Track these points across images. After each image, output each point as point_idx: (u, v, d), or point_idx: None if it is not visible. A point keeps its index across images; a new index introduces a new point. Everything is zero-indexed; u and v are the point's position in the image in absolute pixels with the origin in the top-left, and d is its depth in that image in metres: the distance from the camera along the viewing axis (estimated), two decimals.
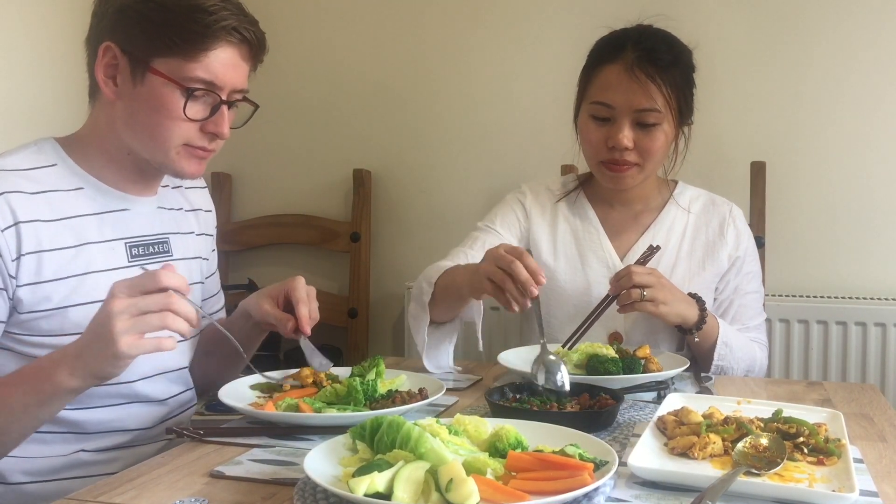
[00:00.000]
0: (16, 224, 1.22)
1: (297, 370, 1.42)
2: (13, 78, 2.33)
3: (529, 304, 1.36)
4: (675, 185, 1.89)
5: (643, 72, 1.65)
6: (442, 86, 2.79)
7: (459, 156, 2.79)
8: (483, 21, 2.73)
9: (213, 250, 1.60)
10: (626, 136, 1.68)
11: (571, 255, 1.83)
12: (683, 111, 1.73)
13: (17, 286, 1.22)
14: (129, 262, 1.35)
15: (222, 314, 1.65)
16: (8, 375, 1.18)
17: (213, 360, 1.54)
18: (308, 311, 1.39)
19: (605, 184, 1.79)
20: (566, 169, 2.46)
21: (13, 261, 1.22)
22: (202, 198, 1.57)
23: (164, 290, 1.09)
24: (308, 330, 1.39)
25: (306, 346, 1.41)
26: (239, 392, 1.35)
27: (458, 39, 2.76)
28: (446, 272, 1.61)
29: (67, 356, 1.12)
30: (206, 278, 1.56)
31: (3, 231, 1.21)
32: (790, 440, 1.08)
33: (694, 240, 1.82)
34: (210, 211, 1.59)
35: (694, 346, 1.72)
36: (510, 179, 2.67)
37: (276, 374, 1.44)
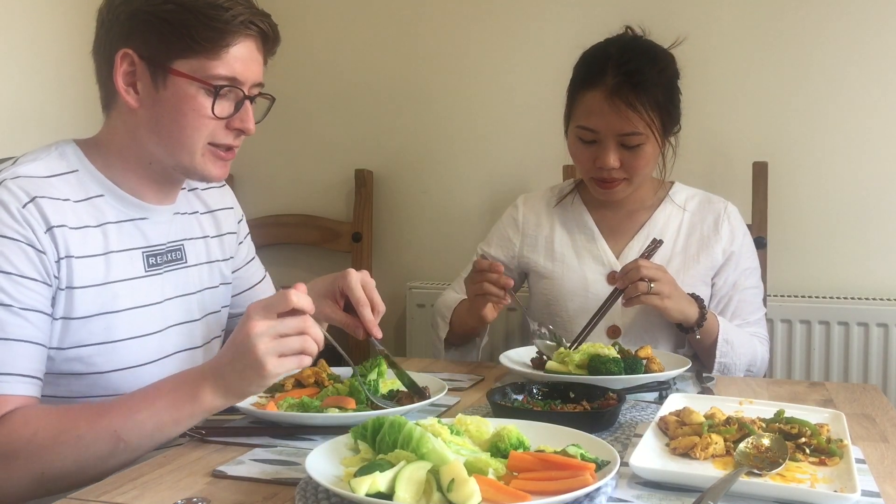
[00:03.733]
0: (50, 228, 1.20)
1: (298, 370, 1.42)
2: (20, 81, 2.34)
3: (509, 299, 1.66)
4: (671, 185, 1.91)
5: (622, 100, 1.68)
6: (443, 86, 2.79)
7: (461, 156, 2.79)
8: (484, 21, 2.73)
9: (241, 243, 1.58)
10: (612, 157, 1.72)
11: (568, 256, 1.86)
12: (667, 125, 1.76)
13: (58, 289, 1.21)
14: (146, 271, 1.33)
15: None
16: (134, 395, 1.16)
17: None
18: (370, 311, 1.37)
19: (598, 196, 1.84)
20: (567, 170, 2.46)
21: (56, 262, 1.21)
22: (221, 196, 1.55)
23: (295, 311, 1.11)
24: (378, 333, 1.37)
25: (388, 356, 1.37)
26: None
27: (460, 40, 2.76)
28: (457, 308, 1.84)
29: (207, 376, 1.13)
30: (234, 272, 1.55)
31: (44, 232, 1.20)
32: (792, 441, 1.08)
33: (689, 236, 1.84)
34: (232, 207, 1.57)
35: (696, 344, 1.73)
36: (511, 179, 2.68)
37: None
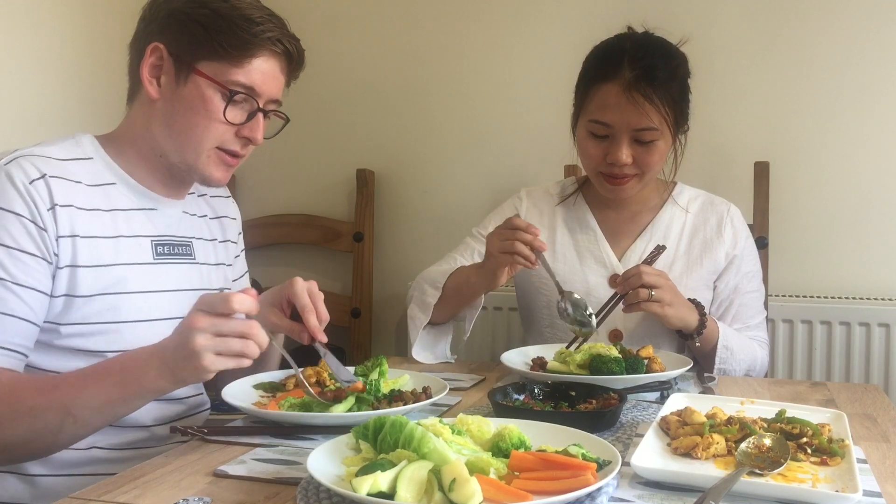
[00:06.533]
0: (53, 207, 1.25)
1: (300, 369, 1.42)
2: (30, 82, 2.34)
3: (538, 264, 1.58)
4: (674, 186, 1.90)
5: (640, 93, 1.65)
6: (445, 86, 2.79)
7: (462, 155, 2.79)
8: (485, 21, 2.73)
9: (238, 256, 1.63)
10: (625, 153, 1.70)
11: (570, 258, 1.84)
12: (680, 122, 1.74)
13: (58, 267, 1.25)
14: (155, 258, 1.38)
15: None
16: (86, 370, 1.18)
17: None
18: (316, 317, 1.36)
19: (605, 194, 1.81)
20: (569, 169, 2.46)
21: (56, 239, 1.25)
22: (227, 206, 1.61)
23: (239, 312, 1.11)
24: (323, 337, 1.35)
25: (330, 359, 1.34)
26: (242, 391, 1.35)
27: (461, 40, 2.76)
28: (454, 274, 1.73)
29: (153, 358, 1.14)
30: (234, 281, 1.60)
31: (47, 210, 1.24)
32: (793, 440, 1.08)
33: (692, 238, 1.83)
34: (235, 219, 1.63)
35: (695, 350, 1.72)
36: (513, 179, 2.67)
37: (278, 373, 1.44)
